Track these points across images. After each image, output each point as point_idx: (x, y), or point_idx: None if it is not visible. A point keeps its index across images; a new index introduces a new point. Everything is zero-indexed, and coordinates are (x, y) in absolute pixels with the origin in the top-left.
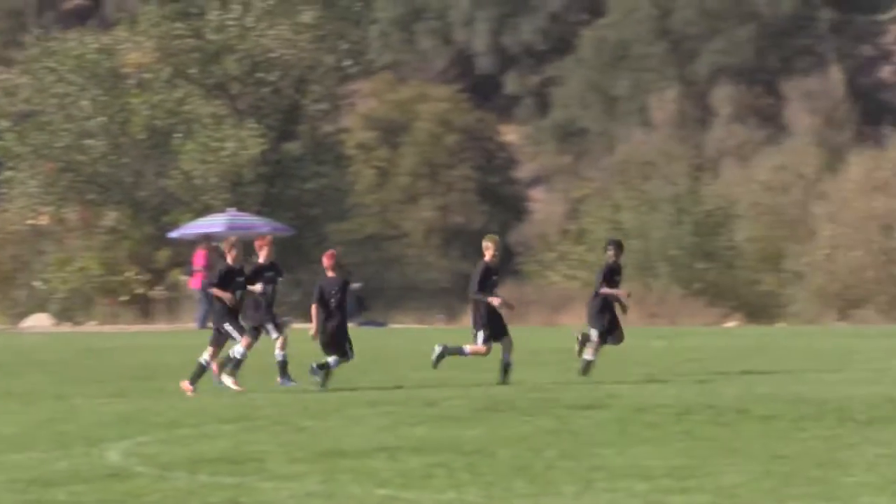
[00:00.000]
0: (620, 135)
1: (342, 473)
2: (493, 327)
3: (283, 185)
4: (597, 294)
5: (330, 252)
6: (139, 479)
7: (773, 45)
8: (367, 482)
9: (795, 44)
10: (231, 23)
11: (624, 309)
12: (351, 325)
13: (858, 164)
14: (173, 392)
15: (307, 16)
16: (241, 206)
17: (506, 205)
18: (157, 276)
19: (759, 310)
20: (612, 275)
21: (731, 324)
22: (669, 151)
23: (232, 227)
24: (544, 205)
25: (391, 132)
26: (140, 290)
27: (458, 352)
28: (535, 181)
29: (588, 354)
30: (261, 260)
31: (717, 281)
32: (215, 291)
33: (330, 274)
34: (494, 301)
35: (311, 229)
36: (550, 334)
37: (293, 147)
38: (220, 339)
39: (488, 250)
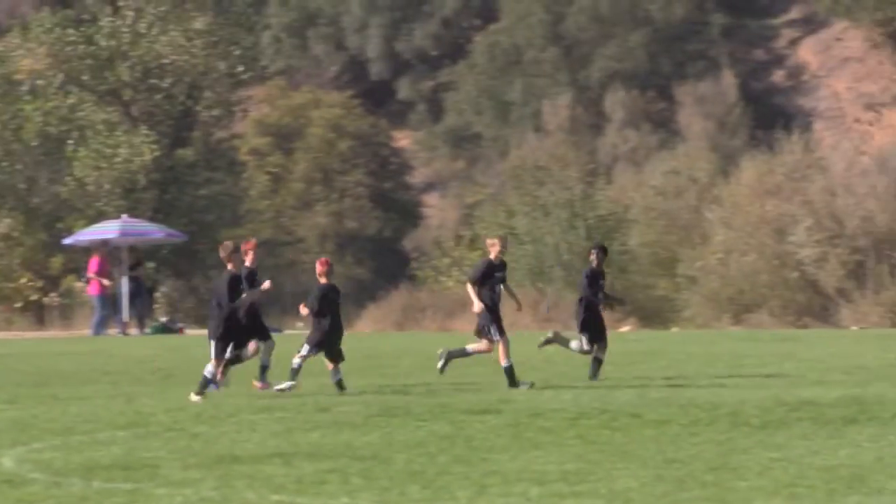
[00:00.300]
0: (514, 140)
1: (236, 479)
2: (497, 320)
3: (177, 191)
4: (581, 300)
5: (323, 259)
6: (33, 486)
7: (665, 50)
8: (262, 488)
9: (688, 48)
10: (124, 29)
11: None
12: None
13: (751, 169)
14: (67, 398)
15: (199, 22)
16: (134, 213)
17: (400, 210)
18: (51, 282)
19: (653, 314)
20: (596, 279)
21: (625, 328)
22: (563, 157)
23: (125, 234)
24: (438, 210)
25: (284, 138)
26: (34, 297)
27: (507, 368)
28: (429, 187)
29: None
30: (247, 264)
31: (610, 285)
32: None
33: (323, 280)
34: (474, 307)
35: (205, 235)
36: (445, 339)
37: (186, 153)
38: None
39: (494, 247)
